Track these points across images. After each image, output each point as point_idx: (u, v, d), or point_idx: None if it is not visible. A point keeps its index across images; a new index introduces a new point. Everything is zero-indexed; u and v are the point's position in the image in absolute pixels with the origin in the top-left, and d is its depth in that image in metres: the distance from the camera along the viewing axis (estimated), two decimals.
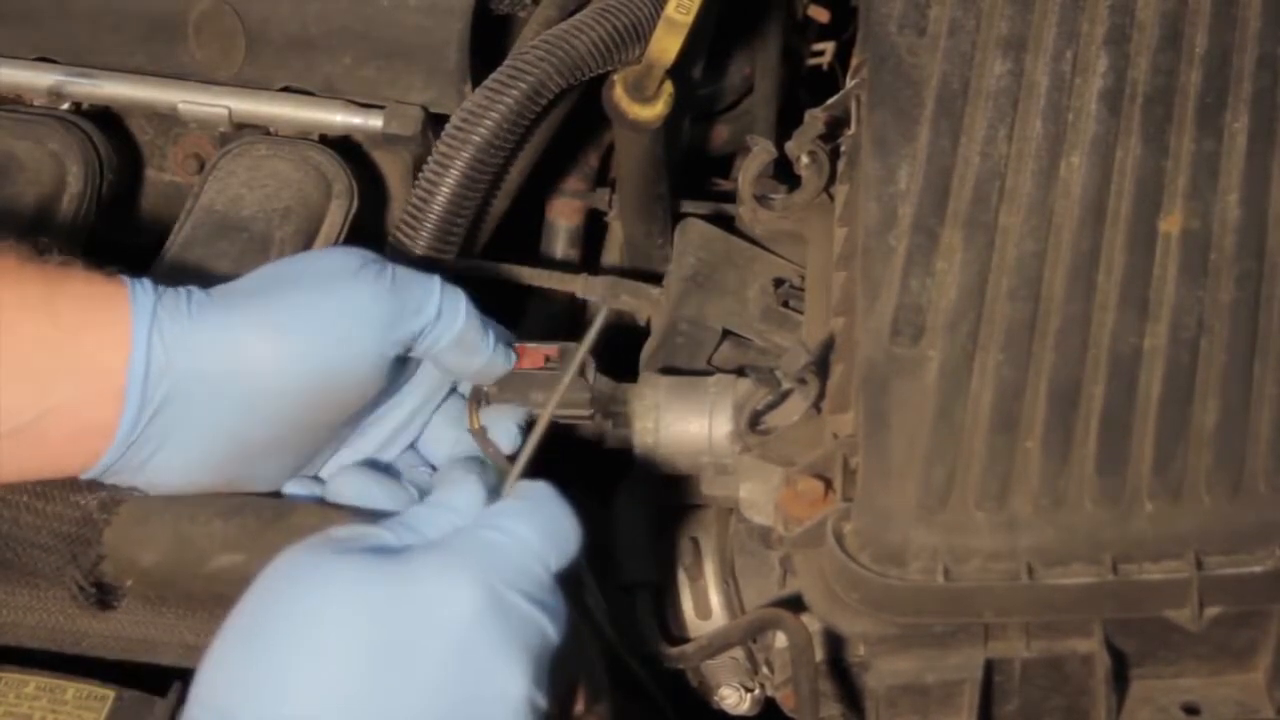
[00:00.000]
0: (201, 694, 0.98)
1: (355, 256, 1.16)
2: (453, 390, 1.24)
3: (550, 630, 1.00)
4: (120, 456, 1.10)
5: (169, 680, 1.09)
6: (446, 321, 1.16)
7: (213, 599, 1.12)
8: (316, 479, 1.20)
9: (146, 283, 1.11)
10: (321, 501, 1.17)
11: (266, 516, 1.13)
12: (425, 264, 1.31)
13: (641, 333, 1.38)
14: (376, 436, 1.21)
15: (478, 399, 1.23)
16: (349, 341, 1.12)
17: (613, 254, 1.54)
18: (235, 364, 1.09)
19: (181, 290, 1.12)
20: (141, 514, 1.13)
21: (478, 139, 1.31)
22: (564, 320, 1.51)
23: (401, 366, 1.18)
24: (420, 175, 1.33)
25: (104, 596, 1.14)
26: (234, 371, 1.09)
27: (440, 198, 1.31)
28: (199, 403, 1.09)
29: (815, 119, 1.30)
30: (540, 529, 1.03)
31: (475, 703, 0.96)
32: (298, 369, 1.11)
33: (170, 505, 1.13)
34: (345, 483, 1.18)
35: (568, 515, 1.05)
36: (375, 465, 1.21)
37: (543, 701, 0.98)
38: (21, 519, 1.15)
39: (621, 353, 1.36)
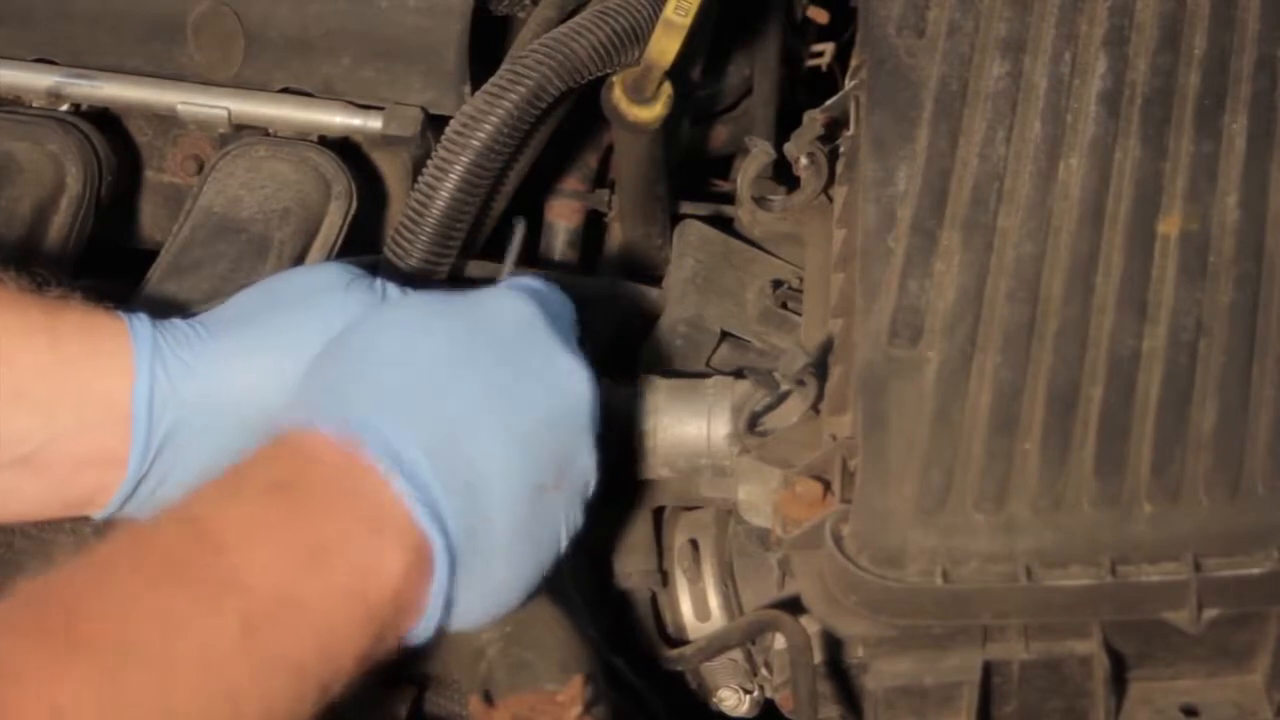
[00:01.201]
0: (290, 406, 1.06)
1: (341, 273, 1.17)
2: None
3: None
4: (134, 489, 1.10)
5: None
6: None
7: None
8: None
9: (143, 316, 1.12)
10: None
11: None
12: (423, 269, 1.31)
13: (641, 334, 1.38)
14: None
15: None
16: None
17: (612, 255, 1.54)
18: (233, 392, 1.10)
19: (176, 322, 1.13)
20: None
21: (477, 143, 1.31)
22: None
23: None
24: (419, 179, 1.33)
25: None
26: (233, 400, 1.10)
27: (439, 202, 1.31)
28: (201, 430, 1.10)
29: (814, 120, 1.30)
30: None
31: (548, 380, 1.08)
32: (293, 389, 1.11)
33: None
34: None
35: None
36: None
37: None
38: (17, 544, 1.16)
39: (621, 354, 1.36)
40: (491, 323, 1.09)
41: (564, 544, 1.08)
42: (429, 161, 1.32)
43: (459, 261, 1.35)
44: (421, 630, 1.01)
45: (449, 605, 1.01)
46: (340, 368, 1.07)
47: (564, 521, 1.08)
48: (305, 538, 0.97)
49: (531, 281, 1.16)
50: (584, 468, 1.09)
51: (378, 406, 1.03)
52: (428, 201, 1.31)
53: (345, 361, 1.07)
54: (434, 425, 1.02)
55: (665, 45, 1.30)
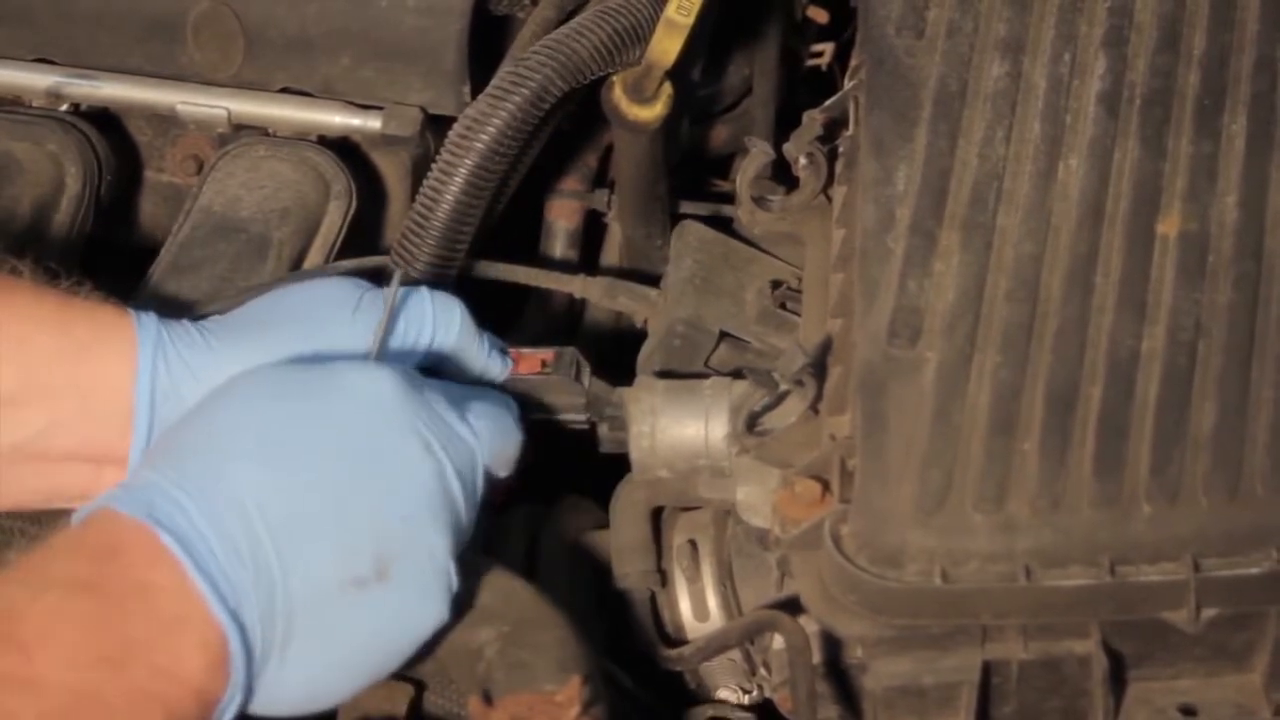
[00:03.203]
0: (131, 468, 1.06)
1: (350, 290, 1.17)
2: None
3: (470, 446, 1.09)
4: None
5: None
6: (441, 334, 1.17)
7: None
8: None
9: (150, 313, 1.13)
10: None
11: None
12: (430, 273, 1.31)
13: (639, 335, 1.38)
14: None
15: None
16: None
17: (611, 255, 1.54)
18: None
19: (183, 322, 1.13)
20: None
21: (481, 145, 1.30)
22: (562, 321, 1.51)
23: None
24: (424, 183, 1.32)
25: None
26: None
27: (445, 205, 1.31)
28: None
29: (813, 120, 1.30)
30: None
31: (382, 469, 1.04)
32: None
33: None
34: None
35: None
36: None
37: (461, 505, 1.07)
38: (14, 543, 1.16)
39: (618, 355, 1.36)
40: (337, 406, 1.06)
41: (407, 639, 1.05)
42: (434, 165, 1.32)
43: (466, 262, 1.35)
44: (221, 717, 1.00)
45: (249, 695, 1.00)
46: (170, 439, 1.06)
47: (398, 616, 1.04)
48: (106, 639, 0.95)
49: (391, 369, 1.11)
50: (425, 558, 1.04)
51: (187, 491, 1.00)
52: (434, 205, 1.31)
53: (177, 433, 1.06)
54: (241, 514, 1.00)
55: (667, 45, 1.30)
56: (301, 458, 1.03)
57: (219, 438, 1.04)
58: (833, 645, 1.13)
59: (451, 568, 1.06)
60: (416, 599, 1.04)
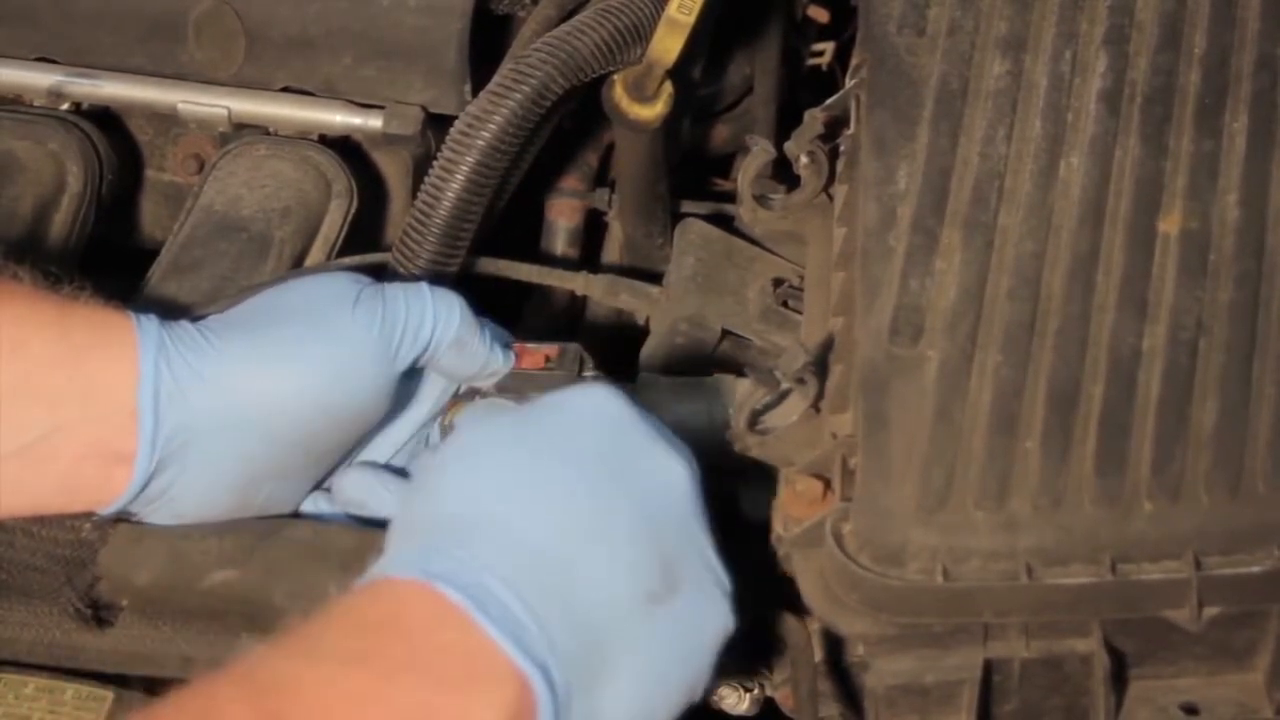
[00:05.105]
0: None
1: (349, 285, 1.16)
2: (458, 393, 1.24)
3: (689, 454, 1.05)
4: (143, 486, 1.10)
5: (166, 691, 1.09)
6: (442, 328, 1.17)
7: (208, 614, 1.12)
8: (325, 490, 1.20)
9: (151, 315, 1.12)
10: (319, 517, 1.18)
11: (261, 531, 1.14)
12: (432, 270, 1.31)
13: (641, 332, 1.38)
14: (385, 446, 1.21)
15: (469, 398, 1.23)
16: (346, 376, 1.13)
17: (612, 254, 1.54)
18: (238, 396, 1.10)
19: (184, 323, 1.13)
20: (136, 534, 1.14)
21: (482, 143, 1.31)
22: (563, 319, 1.51)
23: (407, 379, 1.19)
24: (425, 180, 1.32)
25: (100, 615, 1.14)
26: (237, 404, 1.10)
27: (446, 202, 1.31)
28: (208, 431, 1.10)
29: (814, 119, 1.29)
30: None
31: (641, 478, 1.01)
32: (298, 404, 1.12)
33: (165, 524, 1.14)
34: (350, 484, 1.18)
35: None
36: (379, 465, 1.21)
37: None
38: (17, 542, 1.16)
39: (621, 352, 1.36)
40: (573, 428, 1.03)
41: (708, 651, 0.99)
42: (435, 162, 1.32)
43: (467, 259, 1.35)
44: None
45: None
46: (415, 509, 1.01)
47: (695, 626, 0.99)
48: (383, 711, 0.89)
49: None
50: (699, 561, 1.00)
51: (460, 543, 0.96)
52: (435, 202, 1.31)
53: (421, 503, 1.01)
54: (518, 553, 0.95)
55: (668, 44, 1.30)
56: (562, 487, 0.99)
57: (471, 494, 0.99)
58: (834, 643, 1.13)
59: (720, 567, 1.00)
60: (704, 605, 0.99)
